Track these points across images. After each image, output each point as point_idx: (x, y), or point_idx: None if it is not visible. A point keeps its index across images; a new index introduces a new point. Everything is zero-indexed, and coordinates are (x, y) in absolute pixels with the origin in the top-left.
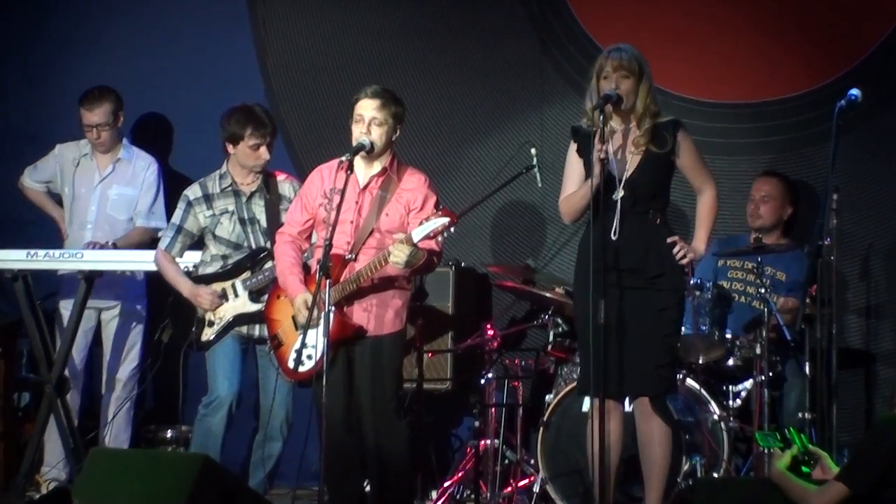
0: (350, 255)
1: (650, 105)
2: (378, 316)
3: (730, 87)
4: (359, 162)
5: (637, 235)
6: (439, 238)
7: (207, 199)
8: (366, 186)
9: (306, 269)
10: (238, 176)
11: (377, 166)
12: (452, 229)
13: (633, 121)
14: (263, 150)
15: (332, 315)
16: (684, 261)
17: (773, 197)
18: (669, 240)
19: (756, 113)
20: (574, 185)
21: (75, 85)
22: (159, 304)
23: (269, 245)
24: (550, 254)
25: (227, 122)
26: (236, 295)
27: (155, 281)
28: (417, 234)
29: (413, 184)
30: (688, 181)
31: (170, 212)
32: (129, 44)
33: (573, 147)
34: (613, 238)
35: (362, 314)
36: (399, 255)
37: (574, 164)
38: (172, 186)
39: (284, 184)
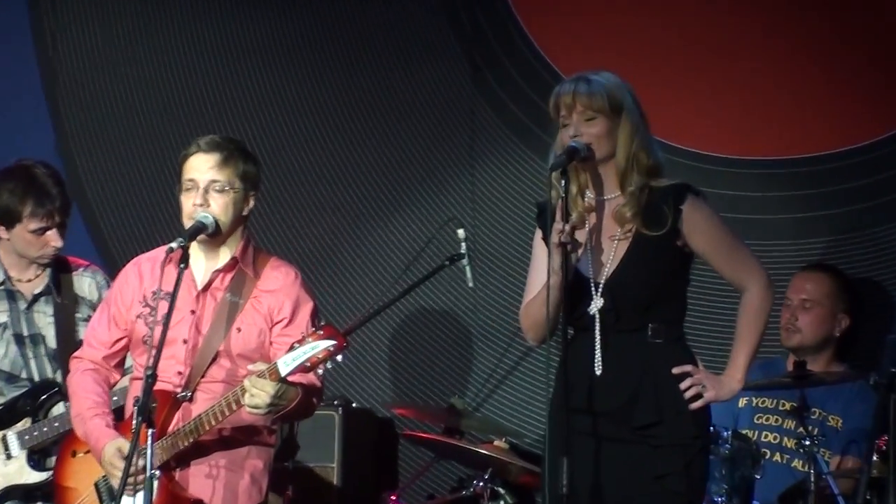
0: (183, 393)
1: (639, 153)
2: (227, 484)
3: (759, 137)
4: (196, 250)
5: (623, 363)
6: (321, 369)
7: None
8: (207, 287)
9: (118, 413)
10: (14, 269)
11: (224, 256)
12: (340, 357)
13: (615, 188)
14: (53, 234)
15: (156, 482)
16: (696, 404)
17: (817, 301)
18: (676, 370)
19: (798, 175)
20: (537, 287)
21: None
22: None
23: (59, 377)
24: (487, 389)
25: None
26: (8, 455)
27: None
28: (286, 365)
29: (277, 282)
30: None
31: None
32: None
33: (538, 234)
34: (598, 373)
35: (204, 481)
36: (259, 396)
37: (539, 258)
38: None
39: (83, 278)
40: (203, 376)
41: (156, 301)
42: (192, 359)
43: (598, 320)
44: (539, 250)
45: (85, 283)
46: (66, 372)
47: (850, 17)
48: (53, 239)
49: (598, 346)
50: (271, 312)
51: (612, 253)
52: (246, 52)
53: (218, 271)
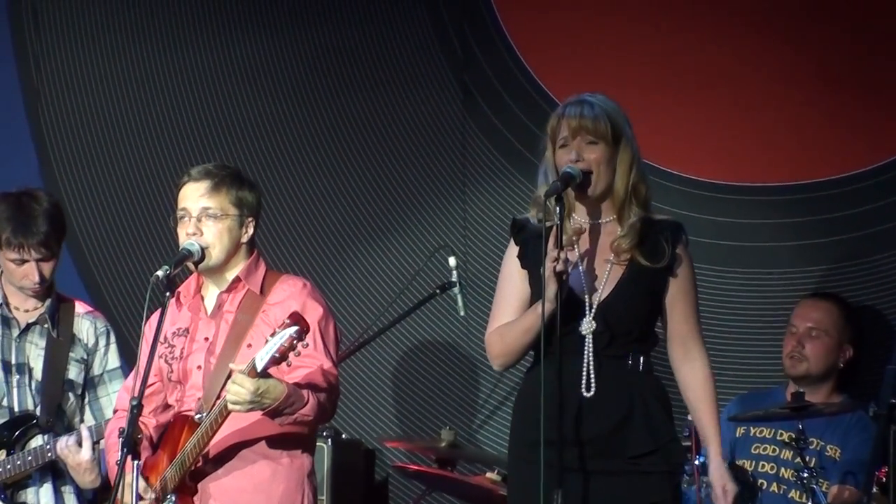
0: (199, 415)
1: (638, 184)
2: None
3: (759, 162)
4: (207, 282)
5: (610, 389)
6: (290, 358)
7: None
8: (217, 310)
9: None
10: (13, 296)
11: (229, 277)
12: (306, 341)
13: (609, 212)
14: (29, 268)
15: None
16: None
17: (824, 331)
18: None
19: (801, 201)
20: (510, 310)
21: None
22: None
23: (39, 411)
24: (479, 420)
25: None
26: None
27: None
28: (262, 360)
29: (284, 293)
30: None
31: None
32: None
33: (513, 251)
34: (587, 395)
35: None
36: (239, 393)
37: (514, 279)
38: None
39: (84, 320)
40: (218, 396)
41: (175, 339)
42: (209, 381)
43: (589, 342)
44: (512, 269)
45: (84, 325)
46: (47, 406)
47: (848, 41)
48: (30, 273)
49: (591, 367)
50: (279, 323)
51: (607, 276)
52: (234, 77)
53: (223, 293)
